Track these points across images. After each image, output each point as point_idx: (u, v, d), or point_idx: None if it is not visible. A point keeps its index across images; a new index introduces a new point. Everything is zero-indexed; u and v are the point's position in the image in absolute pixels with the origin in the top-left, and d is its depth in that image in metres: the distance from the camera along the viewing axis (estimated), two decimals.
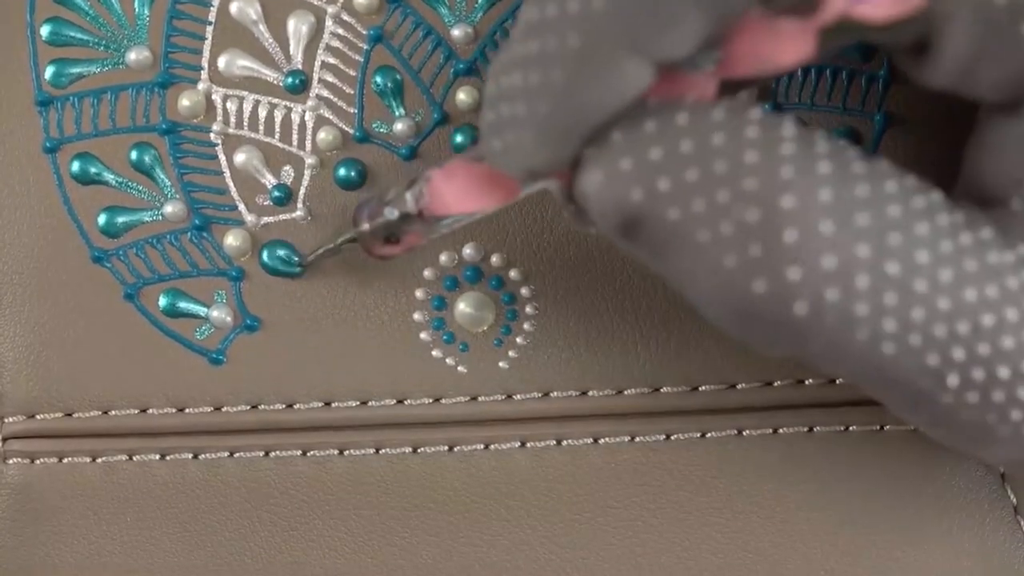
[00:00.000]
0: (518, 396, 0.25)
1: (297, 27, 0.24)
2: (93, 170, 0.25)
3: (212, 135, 0.24)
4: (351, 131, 0.24)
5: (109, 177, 0.25)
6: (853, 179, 0.16)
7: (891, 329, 0.16)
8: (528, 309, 0.25)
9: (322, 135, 0.24)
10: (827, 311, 0.16)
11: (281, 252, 0.24)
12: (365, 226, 0.22)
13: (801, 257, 0.15)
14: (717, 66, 0.17)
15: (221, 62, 0.24)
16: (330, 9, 0.24)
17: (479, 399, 0.25)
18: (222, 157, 0.24)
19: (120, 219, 0.25)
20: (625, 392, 0.25)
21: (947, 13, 0.17)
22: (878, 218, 0.16)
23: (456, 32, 0.24)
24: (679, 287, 0.17)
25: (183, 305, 0.25)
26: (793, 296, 0.16)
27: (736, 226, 0.16)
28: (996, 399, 0.17)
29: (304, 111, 0.24)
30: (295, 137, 0.24)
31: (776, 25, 0.16)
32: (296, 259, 0.24)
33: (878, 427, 0.25)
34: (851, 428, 0.25)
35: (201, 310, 0.25)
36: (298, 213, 0.25)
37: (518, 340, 0.25)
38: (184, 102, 0.24)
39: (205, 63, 0.24)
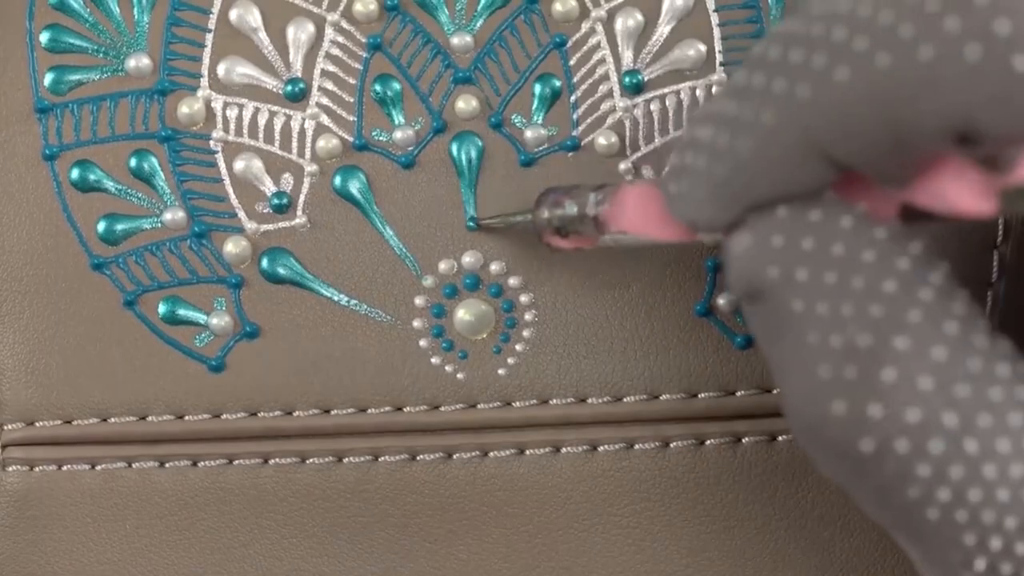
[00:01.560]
0: (517, 403, 0.25)
1: (296, 35, 0.24)
2: (92, 177, 0.25)
3: (212, 142, 0.24)
4: (351, 139, 0.24)
5: (109, 184, 0.25)
6: (971, 350, 0.16)
7: (943, 499, 0.16)
8: (527, 316, 0.25)
9: (321, 143, 0.24)
10: (890, 458, 0.16)
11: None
12: (545, 213, 0.22)
13: (888, 398, 0.15)
14: (901, 188, 0.17)
15: (221, 69, 0.24)
16: (330, 17, 0.24)
17: (477, 406, 0.25)
18: (222, 164, 0.24)
19: (119, 226, 0.25)
20: (624, 399, 0.25)
21: None
22: (977, 395, 0.16)
23: (455, 40, 0.24)
24: (772, 371, 0.17)
25: (182, 312, 0.25)
26: (864, 431, 0.16)
27: (844, 342, 0.16)
28: None
29: (304, 119, 0.24)
30: (295, 145, 0.24)
31: (963, 171, 0.16)
32: (473, 216, 0.24)
33: None
34: None
35: (200, 317, 0.25)
36: (298, 221, 0.25)
37: (517, 347, 0.25)
38: (184, 109, 0.24)
39: (205, 70, 0.24)
